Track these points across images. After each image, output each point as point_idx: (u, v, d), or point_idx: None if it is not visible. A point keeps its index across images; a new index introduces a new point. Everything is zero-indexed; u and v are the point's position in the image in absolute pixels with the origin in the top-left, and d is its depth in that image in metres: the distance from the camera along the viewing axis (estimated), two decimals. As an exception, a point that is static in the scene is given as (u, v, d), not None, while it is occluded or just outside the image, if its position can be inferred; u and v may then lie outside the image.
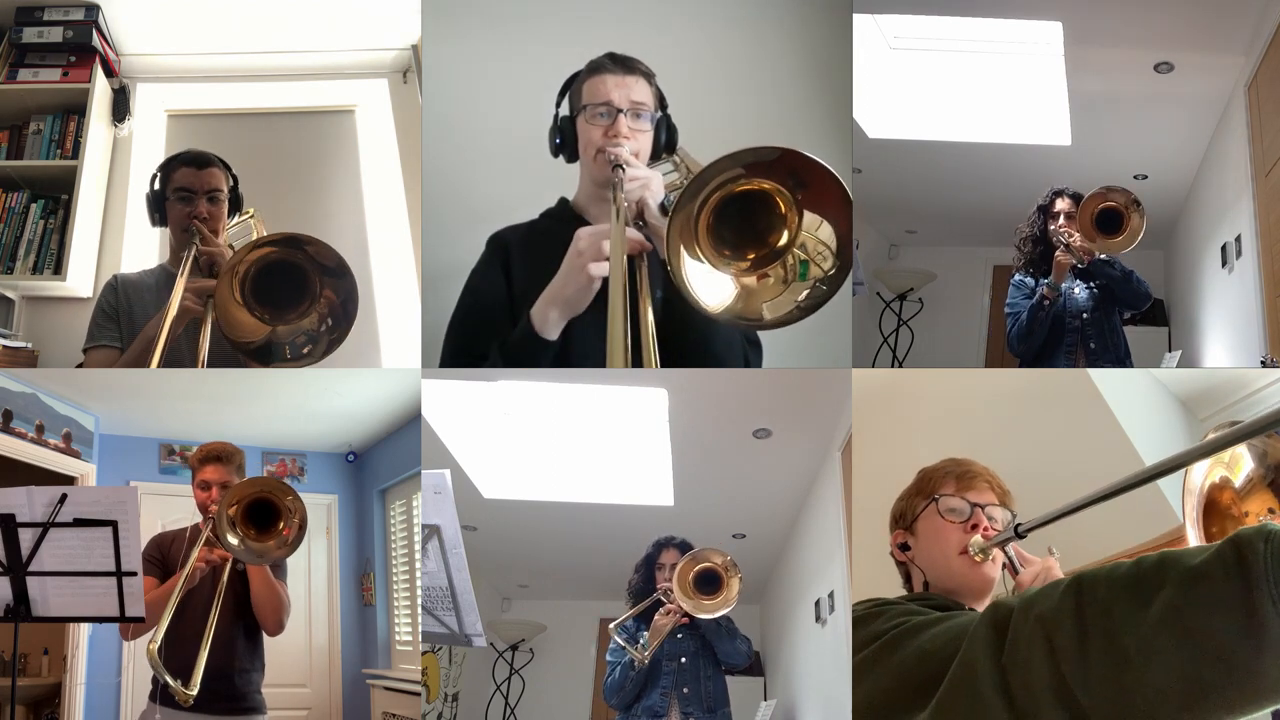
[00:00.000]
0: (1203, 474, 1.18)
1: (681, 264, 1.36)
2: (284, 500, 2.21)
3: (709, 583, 2.88)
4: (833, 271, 1.36)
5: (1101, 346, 2.85)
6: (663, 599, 3.07)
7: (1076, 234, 2.77)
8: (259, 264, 1.78)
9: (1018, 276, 2.97)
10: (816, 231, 1.36)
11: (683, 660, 3.06)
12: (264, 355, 1.80)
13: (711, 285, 1.39)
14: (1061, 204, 2.88)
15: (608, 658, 3.15)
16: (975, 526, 1.50)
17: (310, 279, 1.78)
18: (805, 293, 1.37)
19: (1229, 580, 0.85)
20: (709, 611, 2.88)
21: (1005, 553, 1.50)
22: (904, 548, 1.59)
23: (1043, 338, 2.86)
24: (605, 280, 1.62)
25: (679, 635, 3.06)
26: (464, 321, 2.01)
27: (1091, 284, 2.88)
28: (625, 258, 1.54)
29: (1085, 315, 2.86)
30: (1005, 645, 1.00)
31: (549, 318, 1.78)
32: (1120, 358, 2.87)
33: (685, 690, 3.03)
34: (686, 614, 2.96)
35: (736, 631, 3.10)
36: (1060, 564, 1.55)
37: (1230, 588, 0.85)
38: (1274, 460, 1.17)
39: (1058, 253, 2.81)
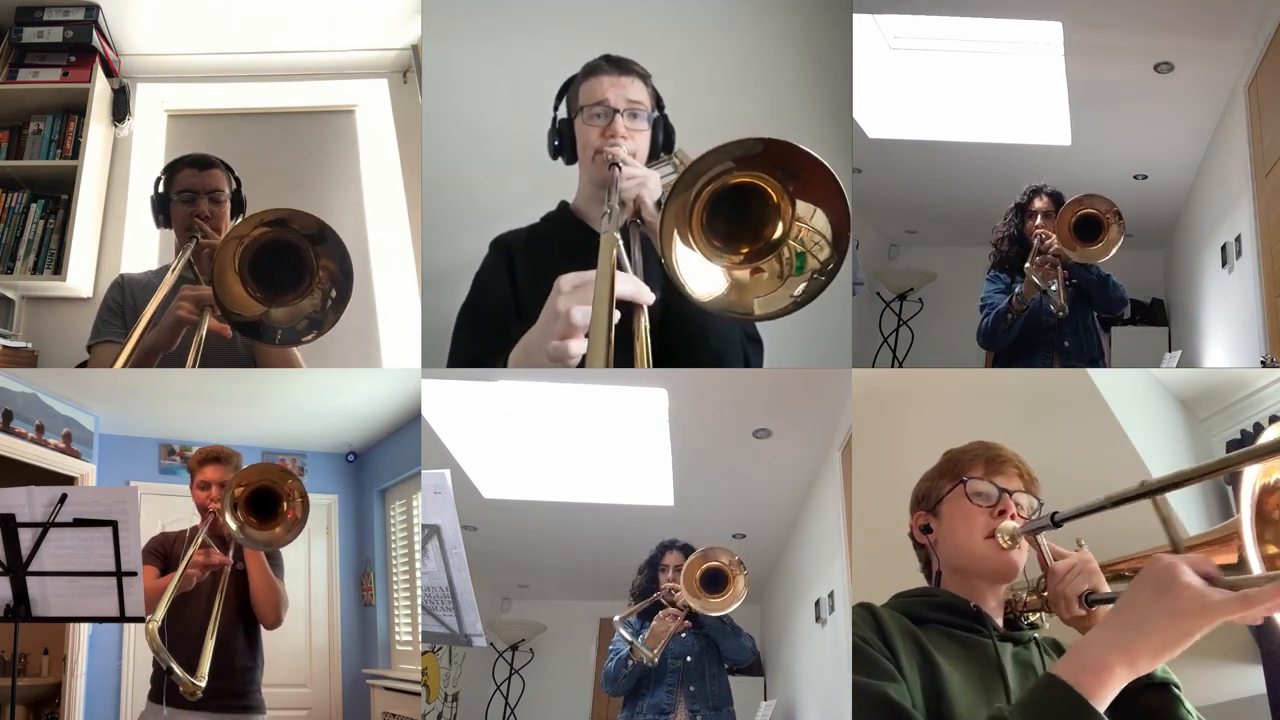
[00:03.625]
0: (1256, 471, 1.12)
1: (674, 251, 1.35)
2: (284, 485, 2.26)
3: (715, 582, 2.92)
4: (829, 261, 1.33)
5: (1076, 346, 2.81)
6: (664, 600, 3.10)
7: (1053, 236, 2.68)
8: (259, 242, 1.76)
9: (992, 272, 2.93)
10: (811, 220, 1.33)
11: (688, 659, 3.09)
12: (253, 331, 1.79)
13: (702, 275, 1.38)
14: (1039, 203, 2.82)
15: (609, 648, 3.19)
16: (1003, 513, 1.47)
17: (305, 255, 1.76)
18: (802, 286, 1.36)
19: None
20: (715, 610, 2.91)
21: (1038, 542, 1.45)
22: (926, 529, 1.55)
23: (1009, 340, 2.81)
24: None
25: (683, 634, 3.10)
26: (472, 324, 2.02)
27: (1069, 283, 2.80)
28: (615, 256, 1.51)
29: (1061, 314, 2.77)
30: None
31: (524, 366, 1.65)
32: (1094, 358, 2.82)
33: (691, 688, 3.06)
34: (688, 617, 3.01)
35: (740, 629, 3.14)
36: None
37: None
38: None
39: (1029, 270, 2.70)
